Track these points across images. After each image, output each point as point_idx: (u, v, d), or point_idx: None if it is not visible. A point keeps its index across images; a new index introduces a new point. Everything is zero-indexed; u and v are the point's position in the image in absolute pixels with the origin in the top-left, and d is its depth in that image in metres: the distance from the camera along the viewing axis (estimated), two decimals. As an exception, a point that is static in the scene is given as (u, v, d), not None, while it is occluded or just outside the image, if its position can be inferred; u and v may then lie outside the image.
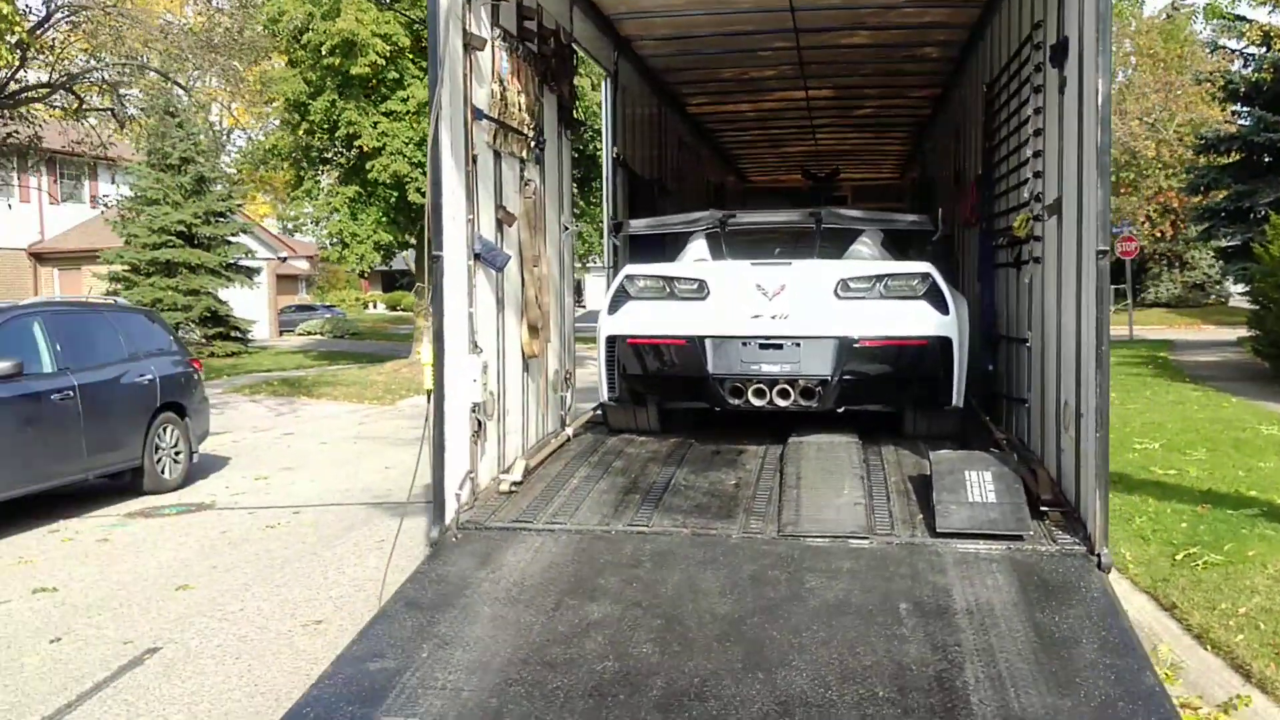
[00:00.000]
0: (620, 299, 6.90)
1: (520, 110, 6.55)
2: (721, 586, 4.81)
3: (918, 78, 11.40)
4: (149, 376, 11.36)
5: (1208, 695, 5.33)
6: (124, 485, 11.17)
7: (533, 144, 6.87)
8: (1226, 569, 6.63)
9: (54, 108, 16.20)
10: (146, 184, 28.78)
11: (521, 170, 6.73)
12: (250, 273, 31.25)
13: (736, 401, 6.69)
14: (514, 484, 6.09)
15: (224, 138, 41.61)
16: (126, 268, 28.99)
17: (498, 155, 6.31)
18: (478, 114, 5.92)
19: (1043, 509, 5.43)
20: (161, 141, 28.12)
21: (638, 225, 7.91)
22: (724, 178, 17.33)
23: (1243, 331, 17.46)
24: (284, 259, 40.54)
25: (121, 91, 17.21)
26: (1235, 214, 24.54)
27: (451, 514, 5.54)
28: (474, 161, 5.85)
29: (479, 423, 5.90)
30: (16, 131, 16.63)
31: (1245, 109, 22.35)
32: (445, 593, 4.85)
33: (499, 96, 6.21)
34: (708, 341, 6.64)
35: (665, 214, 8.98)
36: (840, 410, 6.86)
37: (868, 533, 5.25)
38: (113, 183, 33.69)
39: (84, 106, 16.83)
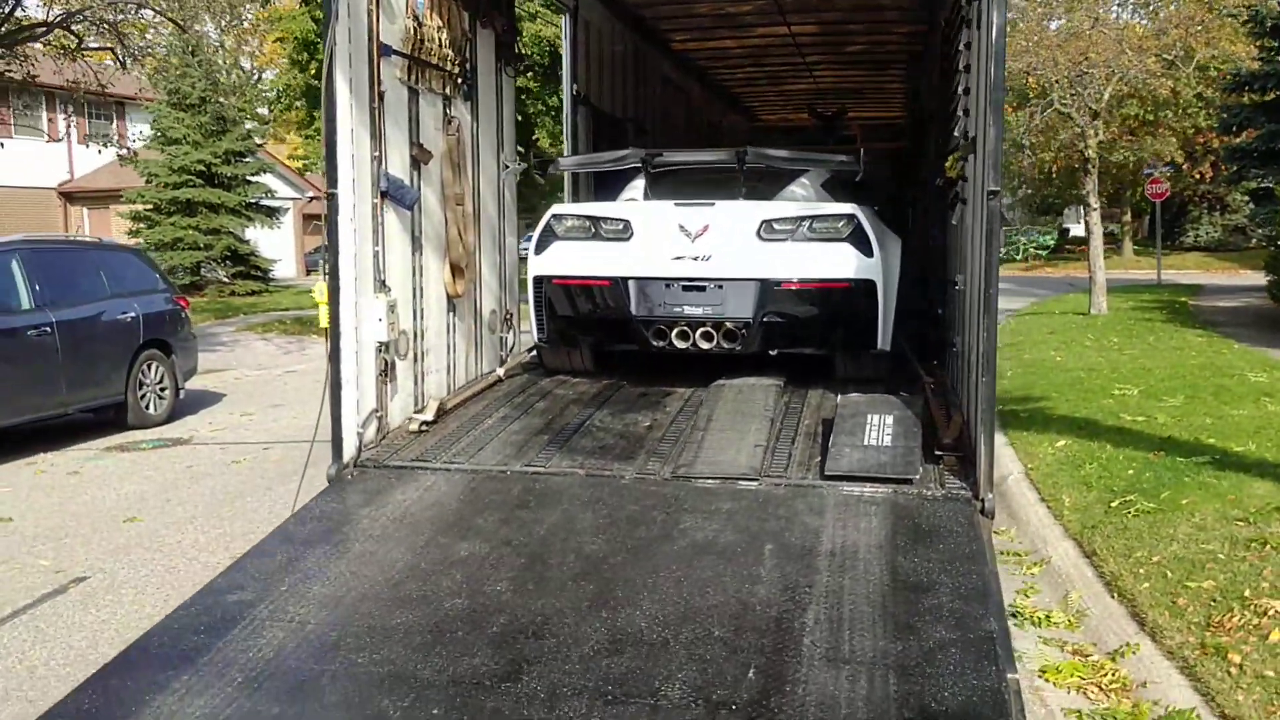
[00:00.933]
0: (547, 238, 6.86)
1: (442, 46, 6.48)
2: (596, 526, 4.83)
3: (899, 12, 11.13)
4: (131, 314, 11.50)
5: (1102, 643, 5.30)
6: (108, 420, 11.37)
7: (459, 80, 6.80)
8: (1155, 516, 6.54)
9: (51, 45, 16.29)
10: (167, 123, 28.94)
11: (446, 107, 6.67)
12: (272, 212, 31.42)
13: (660, 344, 6.65)
14: (425, 423, 6.12)
15: (254, 77, 41.73)
16: (148, 207, 29.26)
17: (414, 92, 6.25)
18: (385, 50, 5.87)
19: (938, 453, 5.37)
20: (180, 81, 28.20)
21: (567, 163, 7.84)
22: (724, 117, 17.08)
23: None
24: (311, 199, 40.69)
25: (129, 31, 17.22)
26: (1267, 155, 23.83)
27: (351, 452, 5.59)
28: (381, 98, 5.80)
29: (387, 362, 5.92)
30: (12, 70, 16.75)
31: (1277, 43, 21.58)
32: (324, 529, 4.91)
33: (412, 32, 6.14)
34: (631, 283, 6.59)
35: None
36: (773, 353, 6.81)
37: (758, 475, 5.23)
38: (123, 122, 33.90)
39: (82, 45, 16.91)
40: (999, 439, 9.52)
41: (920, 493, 5.01)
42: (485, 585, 4.30)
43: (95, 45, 17.44)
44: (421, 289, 6.43)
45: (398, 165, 6.07)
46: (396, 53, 6.01)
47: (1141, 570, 5.78)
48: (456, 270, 6.73)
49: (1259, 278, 18.62)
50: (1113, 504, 6.90)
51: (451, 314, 6.88)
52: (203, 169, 28.97)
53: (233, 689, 3.60)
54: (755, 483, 5.18)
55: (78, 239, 12.63)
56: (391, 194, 5.91)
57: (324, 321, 5.49)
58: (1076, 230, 44.02)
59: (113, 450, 10.39)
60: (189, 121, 29.02)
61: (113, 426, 11.29)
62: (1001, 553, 6.79)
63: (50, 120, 32.30)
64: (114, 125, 36.52)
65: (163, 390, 11.88)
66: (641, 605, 4.10)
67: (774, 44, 12.91)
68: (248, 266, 29.91)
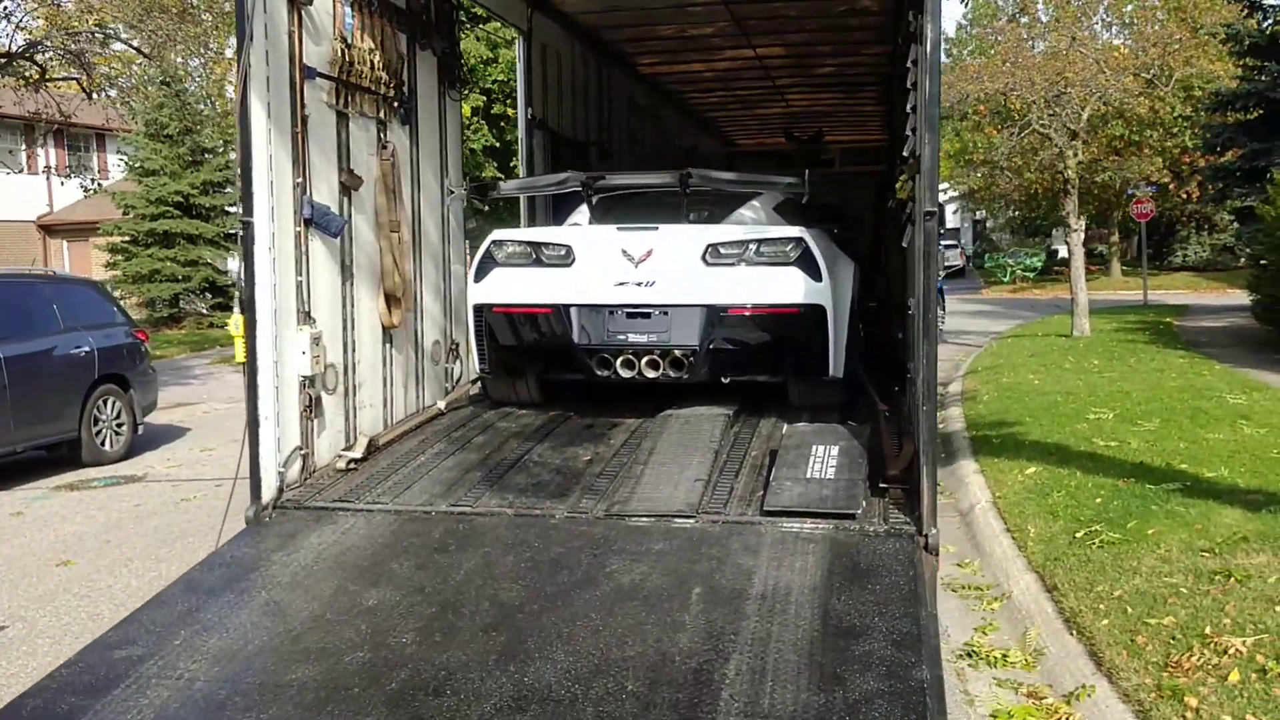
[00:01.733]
0: (487, 265, 6.61)
1: (375, 69, 6.26)
2: (517, 571, 4.56)
3: (864, 33, 10.94)
4: (86, 348, 11.26)
5: (1058, 684, 5.06)
6: (62, 458, 11.10)
7: (395, 104, 6.58)
8: (1120, 548, 6.30)
9: (10, 76, 16.09)
10: (144, 154, 28.76)
11: (381, 132, 6.45)
12: (252, 243, 31.14)
13: (605, 373, 6.41)
14: (354, 461, 5.86)
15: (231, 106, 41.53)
16: (126, 239, 29.04)
17: (343, 116, 6.03)
18: (310, 73, 5.65)
19: (883, 485, 5.12)
20: (158, 112, 28.03)
21: (507, 187, 7.63)
22: (698, 141, 16.90)
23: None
24: (296, 229, 40.50)
25: (97, 62, 17.03)
26: (1250, 174, 23.70)
27: (270, 492, 5.33)
28: (304, 123, 5.58)
29: (311, 397, 5.67)
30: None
31: (1259, 62, 21.45)
32: (230, 576, 4.64)
33: (341, 54, 5.93)
34: (573, 310, 6.35)
35: None
36: (725, 381, 6.56)
37: (694, 512, 4.97)
38: (103, 154, 33.71)
39: (47, 76, 16.71)
40: (970, 466, 9.32)
41: (862, 528, 4.76)
42: (390, 637, 4.04)
43: (61, 76, 17.24)
44: (353, 320, 6.19)
45: (325, 192, 5.83)
46: (323, 75, 5.79)
47: (1102, 606, 5.53)
48: (392, 300, 6.49)
49: (1245, 297, 18.44)
50: (1078, 534, 6.66)
51: (388, 345, 6.63)
52: (180, 200, 28.77)
53: (101, 757, 3.34)
54: (691, 520, 4.92)
55: (30, 272, 12.33)
56: (316, 221, 5.67)
57: (240, 356, 5.24)
58: (1065, 252, 43.92)
59: (62, 489, 10.13)
60: (166, 153, 28.85)
61: (67, 464, 11.03)
62: (963, 586, 6.57)
63: (29, 153, 32.12)
64: (95, 157, 36.40)
65: (120, 426, 11.63)
66: (554, 658, 3.83)
67: (742, 67, 12.73)
68: (227, 298, 29.65)
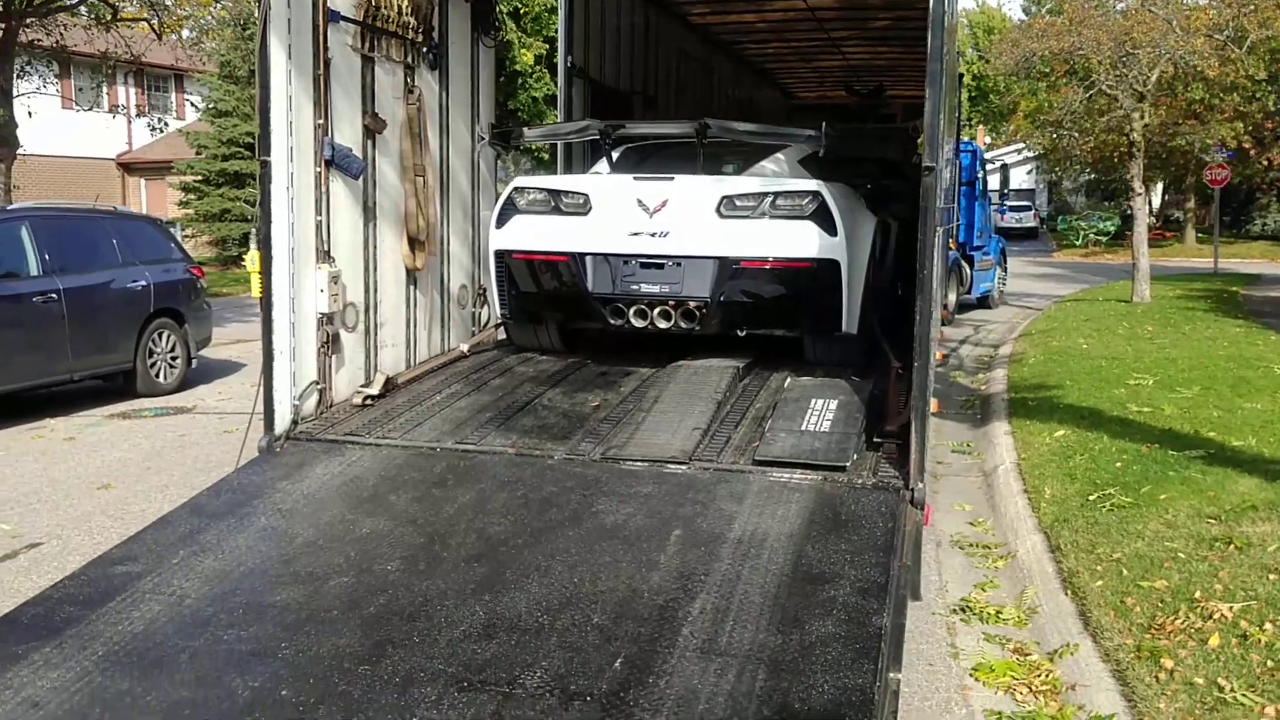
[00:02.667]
0: (508, 212, 6.71)
1: (402, 14, 6.36)
2: (508, 507, 4.70)
3: (916, -14, 10.78)
4: (143, 282, 11.59)
5: (1045, 642, 5.11)
6: (119, 388, 11.50)
7: (424, 50, 6.68)
8: (1128, 511, 6.29)
9: (81, 16, 16.48)
10: (217, 95, 29.27)
11: (408, 77, 6.56)
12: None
13: (618, 322, 6.49)
14: (370, 397, 6.03)
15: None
16: (198, 178, 29.65)
17: (368, 60, 6.15)
18: (334, 16, 5.76)
19: (877, 440, 5.16)
20: (231, 54, 28.49)
21: (531, 134, 7.70)
22: (755, 93, 16.78)
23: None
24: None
25: (165, 3, 17.36)
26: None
27: (284, 424, 5.52)
28: (327, 66, 5.71)
29: (329, 334, 5.84)
30: (42, 39, 16.99)
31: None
32: (235, 501, 4.84)
33: (366, -1, 6.03)
34: (588, 259, 6.43)
35: None
36: (740, 334, 6.61)
37: (687, 458, 5.06)
38: (181, 94, 34.34)
39: (118, 16, 17.08)
40: (1003, 427, 9.28)
41: (850, 481, 4.81)
42: (376, 564, 4.21)
43: (132, 17, 17.60)
44: (375, 261, 6.33)
45: (348, 135, 5.96)
46: (347, 19, 5.90)
47: (1099, 567, 5.54)
48: (416, 243, 6.63)
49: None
50: (1091, 497, 6.65)
51: (412, 287, 6.78)
52: (251, 141, 29.20)
53: (90, 663, 3.54)
54: (684, 466, 5.02)
55: (93, 207, 12.70)
56: (337, 163, 5.81)
57: (256, 291, 5.42)
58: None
59: (114, 417, 10.50)
60: (239, 94, 29.31)
61: (122, 394, 11.41)
62: (972, 544, 6.60)
63: (110, 92, 32.84)
64: (171, 98, 37.13)
65: (174, 359, 11.99)
66: (528, 589, 3.97)
67: (795, 18, 12.63)
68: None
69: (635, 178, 6.49)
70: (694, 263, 6.27)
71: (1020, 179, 46.59)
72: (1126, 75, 17.69)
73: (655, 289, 6.33)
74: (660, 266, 6.32)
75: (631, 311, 6.42)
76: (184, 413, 10.78)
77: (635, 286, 6.35)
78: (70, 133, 30.18)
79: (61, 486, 7.83)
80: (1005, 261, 21.60)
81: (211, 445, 9.15)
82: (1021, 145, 41.54)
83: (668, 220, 6.29)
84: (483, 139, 7.54)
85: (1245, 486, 6.50)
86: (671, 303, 6.33)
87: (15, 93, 16.94)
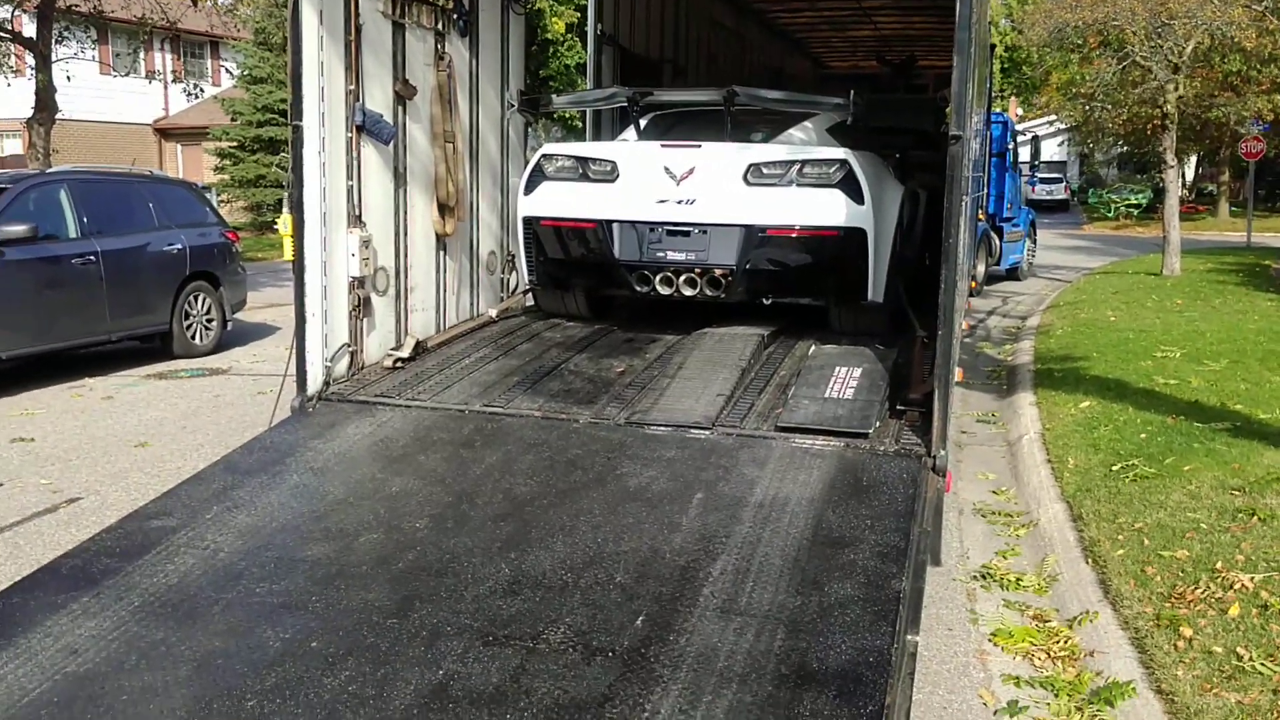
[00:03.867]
0: (536, 179, 6.75)
1: (433, -20, 6.40)
2: (534, 469, 4.78)
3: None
4: (179, 245, 11.74)
5: (1065, 609, 5.15)
6: (155, 349, 11.69)
7: (454, 16, 6.72)
8: (1151, 482, 6.30)
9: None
10: (252, 62, 29.39)
11: (438, 43, 6.60)
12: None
13: (644, 289, 6.53)
14: (400, 360, 6.12)
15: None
16: (234, 144, 29.83)
17: (399, 26, 6.19)
18: (365, -19, 5.81)
19: (900, 407, 5.20)
20: (267, 20, 28.57)
21: (560, 101, 7.73)
22: (786, 62, 16.70)
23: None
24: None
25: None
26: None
27: (315, 385, 5.62)
28: (359, 32, 5.76)
29: (360, 297, 5.93)
30: (78, 5, 17.13)
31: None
32: (267, 459, 4.94)
33: (397, -35, 6.07)
34: (615, 226, 6.47)
35: None
36: (766, 302, 6.65)
37: (710, 424, 5.11)
38: (217, 60, 34.50)
39: (153, -20, 17.23)
40: (1028, 398, 9.28)
41: (872, 448, 4.85)
42: (405, 521, 4.30)
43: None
44: (406, 226, 6.41)
45: (379, 100, 6.02)
46: (379, -15, 5.95)
47: (1121, 536, 5.57)
48: (445, 209, 6.69)
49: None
50: (1114, 468, 6.66)
51: (442, 253, 6.85)
52: (285, 107, 29.36)
53: (126, 613, 3.65)
54: (707, 431, 5.07)
55: (130, 171, 12.85)
56: (368, 129, 5.87)
57: (289, 255, 5.51)
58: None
59: (151, 378, 10.68)
60: (274, 60, 29.42)
61: (159, 355, 11.61)
62: (994, 513, 6.65)
63: (147, 57, 33.05)
64: (207, 64, 37.31)
65: (209, 321, 12.16)
66: (553, 548, 4.05)
67: (827, -14, 12.55)
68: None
69: (663, 145, 6.52)
70: (720, 230, 6.30)
71: (1051, 151, 46.05)
72: (1161, 46, 17.46)
73: (681, 256, 6.37)
74: (687, 234, 6.35)
75: (658, 279, 6.46)
76: (219, 374, 10.94)
77: (662, 254, 6.39)
78: (107, 98, 30.44)
79: (100, 444, 7.99)
80: (1035, 233, 21.45)
81: (245, 406, 9.30)
82: (1053, 117, 41.09)
83: (695, 188, 6.31)
84: (512, 106, 7.58)
85: (1271, 459, 6.49)
86: (698, 270, 6.37)
87: (54, 58, 17.10)
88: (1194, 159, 42.66)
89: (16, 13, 17.84)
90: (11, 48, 18.79)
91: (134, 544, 4.16)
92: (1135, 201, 40.85)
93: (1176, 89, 17.81)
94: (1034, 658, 4.70)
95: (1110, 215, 40.19)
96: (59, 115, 17.46)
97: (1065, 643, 4.78)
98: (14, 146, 31.30)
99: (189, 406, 9.32)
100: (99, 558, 4.06)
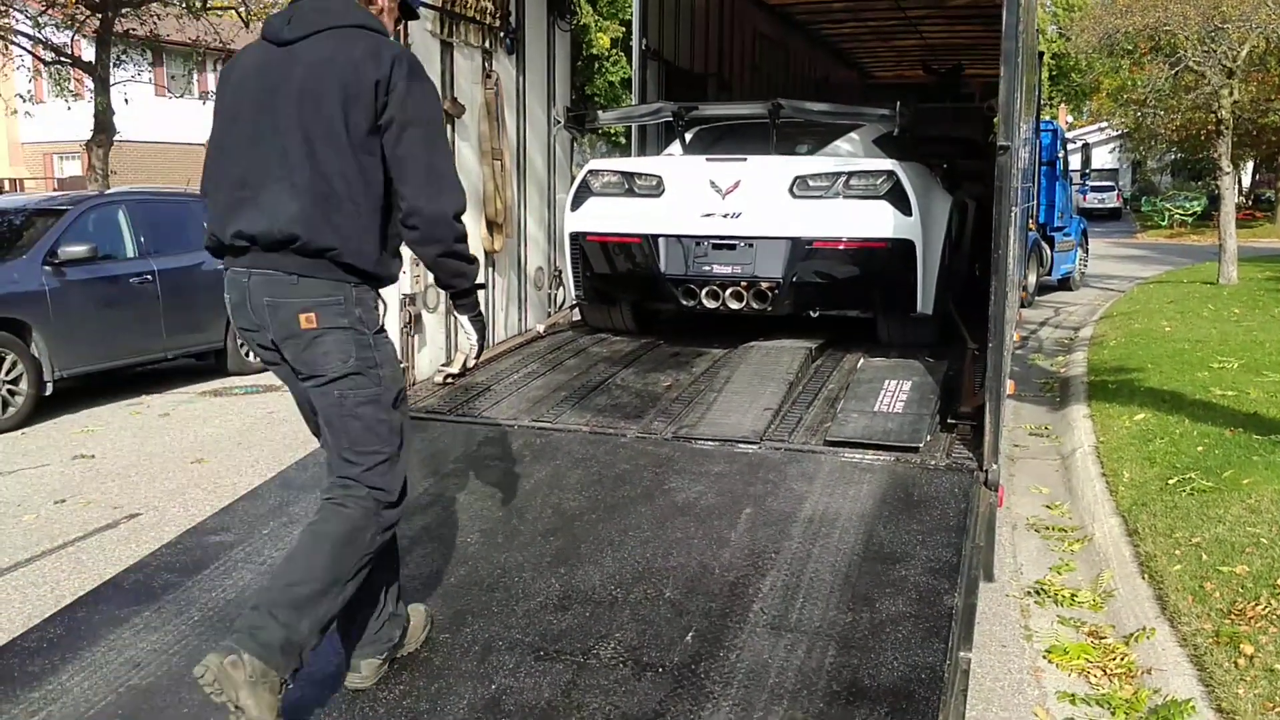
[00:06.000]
0: (583, 195, 6.81)
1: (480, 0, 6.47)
2: (582, 483, 4.81)
3: (995, -36, 10.62)
4: (231, 264, 11.91)
5: (1121, 625, 5.08)
6: (210, 367, 11.88)
7: (501, 34, 6.79)
8: (1209, 496, 6.19)
9: (173, 5, 17.00)
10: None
11: (485, 61, 6.67)
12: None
13: (690, 303, 6.56)
14: (450, 376, 6.18)
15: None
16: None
17: (446, 45, 6.26)
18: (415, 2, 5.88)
19: (951, 421, 5.17)
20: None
21: (606, 118, 7.77)
22: (831, 73, 16.67)
23: None
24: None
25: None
26: None
27: (368, 402, 5.67)
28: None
29: (411, 314, 5.99)
30: (137, 28, 17.51)
31: None
32: (321, 475, 4.97)
33: (447, -16, 6.15)
34: (661, 240, 6.50)
35: None
36: (813, 315, 6.65)
37: (758, 439, 5.12)
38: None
39: (207, 5, 17.56)
40: (1081, 410, 9.17)
41: (923, 462, 4.83)
42: (457, 536, 4.34)
43: (222, 6, 18.09)
44: (454, 244, 6.46)
45: (429, 119, 6.09)
46: (427, 5, 6.02)
47: (1178, 551, 5.48)
48: (494, 225, 6.75)
49: None
50: (1170, 481, 6.55)
51: (490, 269, 6.91)
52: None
53: (187, 627, 3.73)
54: (755, 446, 5.08)
55: (185, 191, 13.08)
56: (418, 148, 5.94)
57: (340, 272, 5.57)
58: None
59: (206, 395, 10.84)
60: (323, 80, 29.72)
61: (213, 372, 11.78)
62: (1048, 527, 6.57)
63: (200, 79, 33.67)
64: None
65: (261, 339, 12.30)
66: (602, 563, 4.07)
67: (871, -2, 12.53)
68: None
69: (708, 159, 6.54)
70: (767, 243, 6.31)
71: (1103, 159, 45.56)
72: (1215, 50, 17.22)
73: (728, 270, 6.38)
74: (733, 247, 6.36)
75: (704, 292, 6.48)
76: (272, 390, 11.07)
77: (708, 267, 6.41)
78: (163, 119, 31.00)
79: (157, 460, 8.13)
80: (1087, 243, 21.19)
81: (298, 422, 9.19)
82: (1104, 124, 40.63)
83: (740, 201, 6.33)
84: (558, 122, 7.63)
85: (1332, 472, 6.37)
86: (744, 283, 6.37)
87: (112, 81, 17.49)
88: (1250, 165, 41.95)
89: (75, 38, 18.24)
90: (71, 72, 19.22)
91: (193, 559, 4.24)
92: (1190, 209, 40.24)
93: (1231, 93, 17.55)
94: (1090, 675, 4.64)
95: (1164, 223, 39.62)
96: (117, 137, 17.84)
97: (1122, 659, 4.71)
98: (74, 168, 32.00)
99: (243, 423, 9.45)
100: (160, 573, 4.14)
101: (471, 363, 4.73)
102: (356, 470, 3.22)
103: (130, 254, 10.77)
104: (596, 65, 27.56)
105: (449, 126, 6.33)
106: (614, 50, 26.60)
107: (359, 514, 3.17)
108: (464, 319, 3.58)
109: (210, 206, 3.26)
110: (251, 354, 11.88)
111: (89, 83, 17.82)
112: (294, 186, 3.07)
